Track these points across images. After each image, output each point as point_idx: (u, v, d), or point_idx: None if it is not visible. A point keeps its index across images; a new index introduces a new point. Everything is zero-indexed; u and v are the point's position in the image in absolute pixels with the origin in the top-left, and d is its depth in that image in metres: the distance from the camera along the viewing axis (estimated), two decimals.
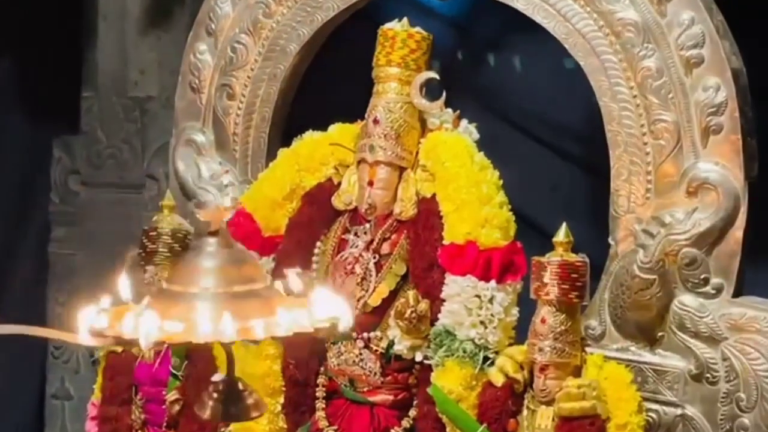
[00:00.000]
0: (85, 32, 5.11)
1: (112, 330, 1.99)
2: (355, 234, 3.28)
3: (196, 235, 3.69)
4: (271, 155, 3.67)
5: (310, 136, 3.46)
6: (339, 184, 3.36)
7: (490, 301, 3.10)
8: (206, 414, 2.08)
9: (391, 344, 3.20)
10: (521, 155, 4.27)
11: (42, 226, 5.30)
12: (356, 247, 3.25)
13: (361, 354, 3.25)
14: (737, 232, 3.11)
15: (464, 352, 3.09)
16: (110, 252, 4.65)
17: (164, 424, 3.49)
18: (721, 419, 3.13)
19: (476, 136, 3.30)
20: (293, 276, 2.07)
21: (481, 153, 3.23)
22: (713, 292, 3.13)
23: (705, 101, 3.11)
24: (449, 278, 3.13)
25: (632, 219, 3.21)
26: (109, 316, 2.00)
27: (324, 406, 3.34)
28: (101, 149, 5.11)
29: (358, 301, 3.21)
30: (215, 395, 2.07)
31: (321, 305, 2.03)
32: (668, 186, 3.17)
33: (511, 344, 3.14)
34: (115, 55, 5.04)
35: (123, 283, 2.03)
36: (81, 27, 5.12)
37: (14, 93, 5.09)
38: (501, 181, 3.20)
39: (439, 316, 3.13)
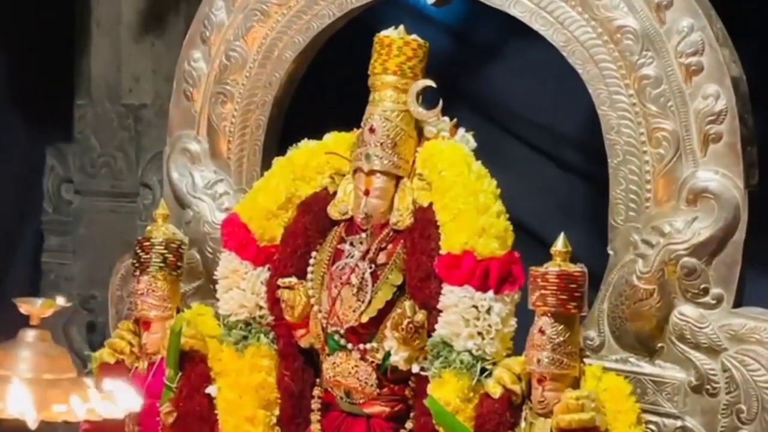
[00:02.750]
0: (79, 39, 5.09)
1: None
2: (351, 244, 3.25)
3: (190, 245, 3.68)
4: (266, 164, 3.65)
5: (306, 144, 3.44)
6: (335, 193, 3.33)
7: (488, 311, 3.07)
8: None
9: (387, 355, 3.17)
10: (519, 164, 4.25)
11: (35, 236, 5.28)
12: (352, 257, 3.22)
13: (357, 365, 3.22)
14: (737, 241, 3.10)
15: (461, 363, 3.06)
16: (104, 261, 4.64)
17: None
18: (721, 431, 3.10)
19: (473, 144, 3.28)
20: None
21: (479, 162, 3.21)
22: (713, 302, 3.11)
23: (704, 109, 3.10)
24: (446, 288, 3.10)
25: (631, 228, 3.19)
26: None
27: (319, 418, 3.32)
28: (95, 157, 5.09)
29: (354, 311, 3.18)
30: None
31: (117, 398, 2.42)
32: (667, 195, 3.15)
33: (508, 355, 3.11)
34: (108, 62, 5.03)
35: None
36: (74, 34, 5.10)
37: (7, 100, 5.07)
38: (498, 190, 3.17)
39: (436, 326, 3.10)
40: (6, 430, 2.44)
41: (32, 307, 2.52)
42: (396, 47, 3.23)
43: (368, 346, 3.20)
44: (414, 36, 3.26)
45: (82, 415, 2.40)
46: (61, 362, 2.47)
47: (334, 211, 3.31)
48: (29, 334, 2.48)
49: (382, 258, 3.22)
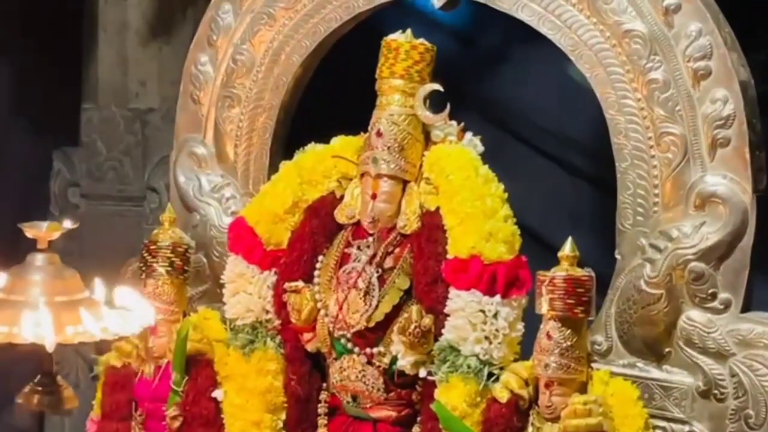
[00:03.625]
0: (86, 43, 5.10)
1: None
2: (358, 248, 3.24)
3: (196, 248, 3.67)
4: (273, 168, 3.65)
5: (313, 148, 3.44)
6: (341, 197, 3.33)
7: (495, 316, 3.07)
8: (33, 402, 2.47)
9: (394, 360, 3.17)
10: (526, 168, 4.26)
11: None
12: (359, 261, 3.22)
13: (363, 369, 3.21)
14: (745, 246, 3.08)
15: (468, 368, 3.06)
16: (110, 265, 4.64)
17: None
18: None
19: (481, 148, 3.28)
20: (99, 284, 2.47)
21: (486, 166, 3.21)
22: (721, 307, 3.10)
23: (712, 114, 3.09)
24: (453, 293, 3.10)
25: (639, 233, 3.18)
26: None
27: (326, 422, 3.31)
28: (101, 161, 5.10)
29: (362, 315, 3.17)
30: (39, 388, 2.46)
31: (131, 313, 2.42)
32: (675, 200, 3.14)
33: (516, 360, 3.11)
34: (115, 66, 5.03)
35: None
36: (81, 38, 5.11)
37: (14, 104, 5.07)
38: (506, 195, 3.17)
39: (443, 331, 3.10)
40: (20, 356, 2.43)
41: (39, 230, 2.48)
42: (403, 51, 3.23)
43: (375, 350, 3.19)
44: (421, 40, 3.26)
45: (98, 335, 2.37)
46: (72, 283, 2.44)
47: (341, 215, 3.31)
48: (38, 258, 2.44)
49: (389, 262, 3.21)
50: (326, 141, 3.44)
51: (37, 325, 2.34)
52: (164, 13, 4.98)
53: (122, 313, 2.46)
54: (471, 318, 3.06)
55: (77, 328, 2.37)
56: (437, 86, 3.23)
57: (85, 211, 5.17)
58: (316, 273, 3.28)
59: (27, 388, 2.50)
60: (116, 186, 5.09)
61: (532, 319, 3.07)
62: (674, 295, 3.12)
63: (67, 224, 2.57)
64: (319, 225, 3.32)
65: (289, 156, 3.49)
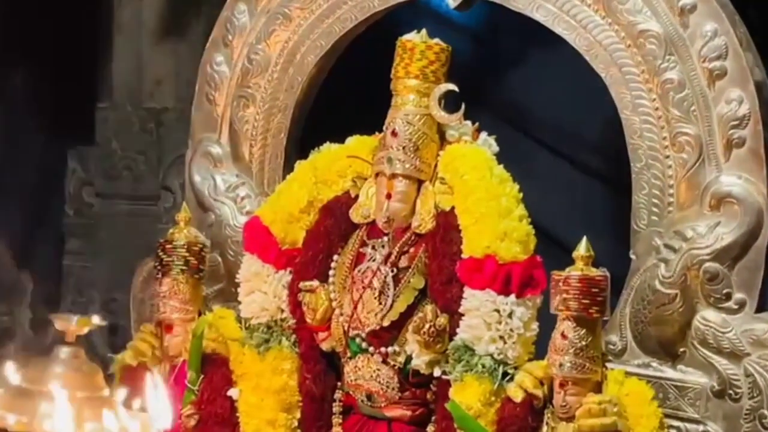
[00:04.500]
0: (101, 43, 5.12)
1: None
2: (373, 247, 3.25)
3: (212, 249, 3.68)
4: (287, 167, 3.66)
5: (328, 148, 3.44)
6: (356, 196, 3.33)
7: (510, 315, 3.07)
8: None
9: (408, 359, 3.17)
10: (541, 168, 4.25)
11: (56, 238, 5.29)
12: (374, 260, 3.22)
13: (378, 369, 3.22)
14: (760, 246, 3.09)
15: (483, 367, 3.06)
16: (125, 264, 4.66)
17: None
18: None
19: (495, 148, 3.28)
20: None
21: (501, 166, 3.21)
22: (736, 307, 3.10)
23: (728, 114, 3.09)
24: (468, 292, 3.10)
25: (653, 233, 3.18)
26: None
27: (341, 421, 3.32)
28: (116, 160, 5.12)
29: (376, 315, 3.18)
30: None
31: (148, 415, 2.40)
32: (690, 200, 3.14)
33: (530, 359, 3.11)
34: (130, 66, 5.05)
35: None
36: (96, 38, 5.12)
37: (29, 103, 5.09)
38: (520, 195, 3.17)
39: (458, 330, 3.10)
40: None
41: (68, 324, 2.50)
42: (418, 51, 3.24)
43: (390, 349, 3.19)
44: (436, 40, 3.26)
45: None
46: (93, 379, 2.46)
47: (356, 214, 3.31)
48: (63, 351, 2.47)
49: (403, 262, 3.22)
50: (341, 141, 3.44)
51: (55, 419, 2.35)
52: (178, 13, 4.99)
53: (140, 416, 2.48)
54: (486, 317, 3.06)
55: (96, 426, 2.39)
56: (452, 86, 3.23)
57: (100, 210, 5.19)
58: (331, 272, 3.29)
59: None
60: (131, 185, 5.10)
61: (546, 319, 3.07)
62: (689, 295, 3.12)
63: (96, 320, 2.59)
64: (334, 224, 3.32)
65: (304, 156, 3.49)
